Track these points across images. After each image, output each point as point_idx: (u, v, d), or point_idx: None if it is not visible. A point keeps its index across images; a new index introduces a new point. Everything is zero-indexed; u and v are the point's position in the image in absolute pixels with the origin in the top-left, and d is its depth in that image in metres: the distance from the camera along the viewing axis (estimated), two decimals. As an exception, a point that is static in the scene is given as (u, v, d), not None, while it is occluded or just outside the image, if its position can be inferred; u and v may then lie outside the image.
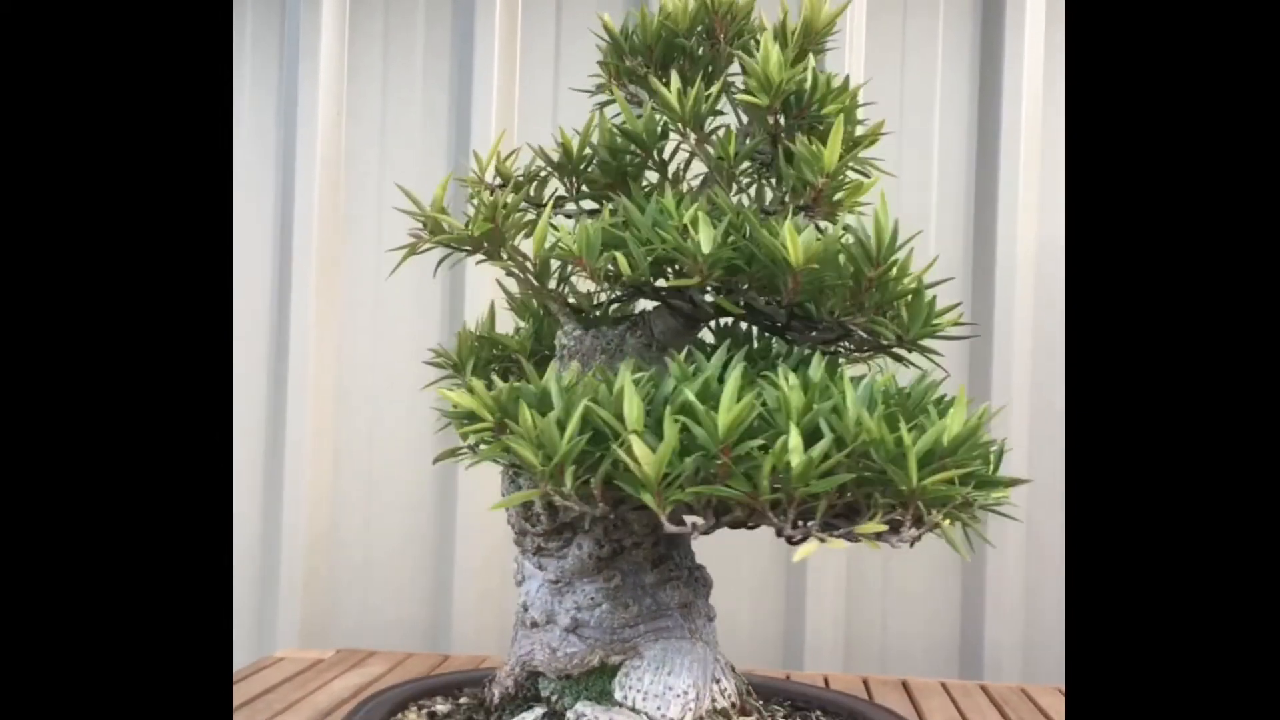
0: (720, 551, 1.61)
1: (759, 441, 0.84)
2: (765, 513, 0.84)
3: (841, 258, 0.99)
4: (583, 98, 1.27)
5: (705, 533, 0.87)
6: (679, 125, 1.12)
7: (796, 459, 0.81)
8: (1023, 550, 1.98)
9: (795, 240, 0.95)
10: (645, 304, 1.20)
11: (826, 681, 1.83)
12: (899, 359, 1.12)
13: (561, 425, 0.87)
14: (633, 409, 0.86)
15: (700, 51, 1.21)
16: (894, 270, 0.99)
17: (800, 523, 0.85)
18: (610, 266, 1.02)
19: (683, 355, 0.98)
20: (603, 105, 1.24)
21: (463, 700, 1.32)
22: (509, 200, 1.12)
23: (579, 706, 1.09)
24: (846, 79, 1.12)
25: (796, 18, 1.19)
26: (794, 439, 0.82)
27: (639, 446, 0.82)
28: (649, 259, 1.01)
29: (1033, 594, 2.00)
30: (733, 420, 0.83)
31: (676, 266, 1.02)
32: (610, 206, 1.13)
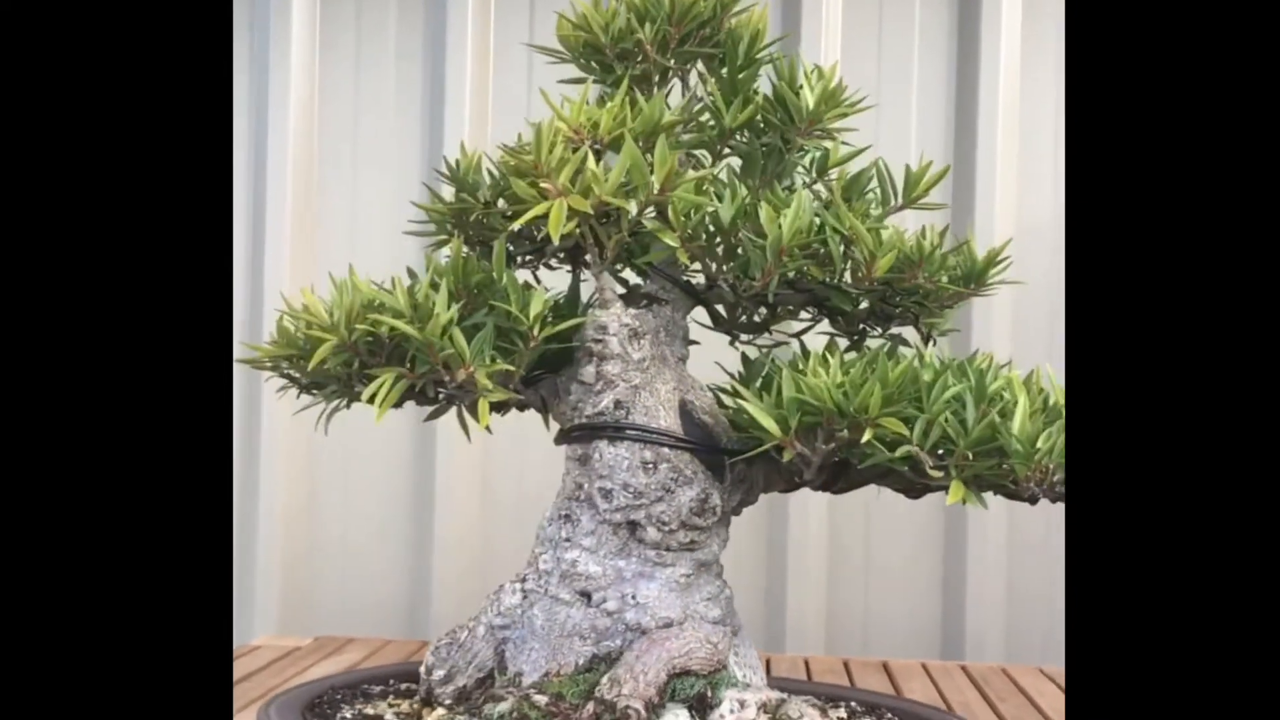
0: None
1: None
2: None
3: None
4: (556, 73, 1.25)
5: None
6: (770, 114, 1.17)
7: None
8: (1003, 531, 1.99)
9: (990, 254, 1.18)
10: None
11: (807, 664, 1.83)
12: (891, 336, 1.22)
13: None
14: (1024, 406, 0.99)
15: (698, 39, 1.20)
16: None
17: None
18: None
19: (885, 348, 1.15)
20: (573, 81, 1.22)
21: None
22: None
23: (728, 693, 1.08)
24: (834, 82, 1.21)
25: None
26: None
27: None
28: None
29: (1014, 575, 2.02)
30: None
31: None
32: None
